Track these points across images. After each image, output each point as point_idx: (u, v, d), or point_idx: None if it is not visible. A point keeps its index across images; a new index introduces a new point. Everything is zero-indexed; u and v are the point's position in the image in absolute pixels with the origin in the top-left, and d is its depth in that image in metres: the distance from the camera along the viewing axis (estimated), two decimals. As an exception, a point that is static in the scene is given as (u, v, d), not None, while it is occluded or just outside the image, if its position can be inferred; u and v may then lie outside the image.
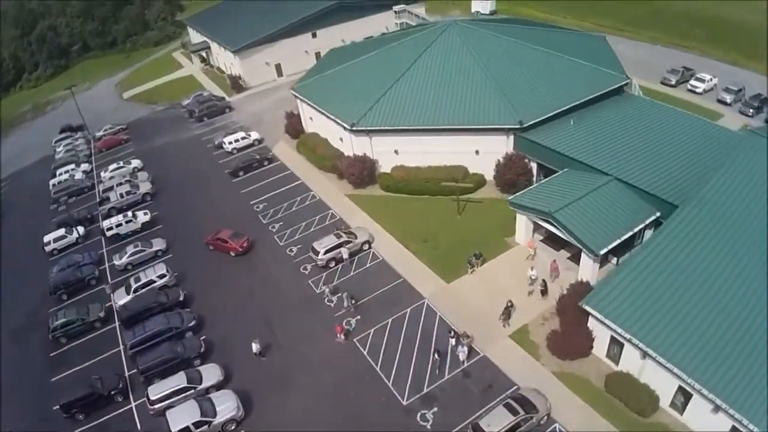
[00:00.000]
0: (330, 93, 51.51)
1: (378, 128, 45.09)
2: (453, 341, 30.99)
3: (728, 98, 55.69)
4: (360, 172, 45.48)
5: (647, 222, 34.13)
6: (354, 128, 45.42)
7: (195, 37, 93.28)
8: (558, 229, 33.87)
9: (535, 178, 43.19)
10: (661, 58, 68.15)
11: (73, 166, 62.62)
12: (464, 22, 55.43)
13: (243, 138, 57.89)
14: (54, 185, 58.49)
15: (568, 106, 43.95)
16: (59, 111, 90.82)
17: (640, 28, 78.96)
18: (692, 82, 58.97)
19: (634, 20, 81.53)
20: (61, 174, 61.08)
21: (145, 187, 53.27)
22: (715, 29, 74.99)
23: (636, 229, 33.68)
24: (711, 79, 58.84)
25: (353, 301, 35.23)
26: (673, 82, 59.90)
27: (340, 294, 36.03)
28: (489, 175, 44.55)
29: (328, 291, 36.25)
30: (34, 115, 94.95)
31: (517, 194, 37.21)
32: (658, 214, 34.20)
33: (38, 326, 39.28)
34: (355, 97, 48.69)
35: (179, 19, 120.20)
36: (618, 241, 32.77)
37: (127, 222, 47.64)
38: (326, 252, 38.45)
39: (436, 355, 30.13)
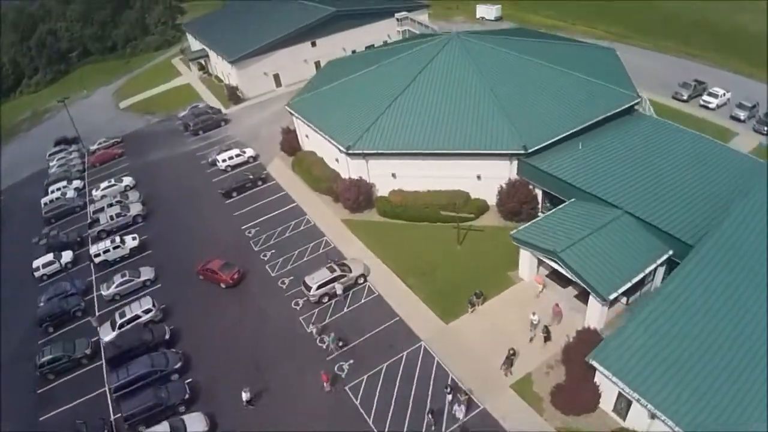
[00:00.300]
0: (326, 111, 49.49)
1: (374, 152, 43.02)
2: (450, 397, 28.96)
3: (742, 115, 53.21)
4: (356, 198, 43.51)
5: (659, 262, 31.94)
6: (350, 151, 43.40)
7: (194, 43, 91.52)
8: (564, 268, 31.75)
9: (540, 206, 41.09)
10: (672, 68, 65.62)
11: (65, 183, 61.19)
12: (466, 35, 53.12)
13: (237, 155, 56.05)
14: (46, 204, 57.04)
15: (575, 129, 41.64)
16: (56, 120, 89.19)
17: (651, 35, 76.32)
18: (705, 97, 56.46)
19: (644, 28, 78.91)
20: (53, 191, 59.74)
21: (135, 208, 51.61)
22: (728, 39, 72.37)
23: (647, 270, 31.50)
24: (724, 94, 56.31)
25: (340, 344, 33.34)
26: (685, 97, 57.42)
27: (327, 335, 34.05)
28: (492, 200, 42.48)
29: (315, 332, 34.31)
30: (30, 124, 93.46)
31: (520, 228, 35.04)
32: (671, 252, 32.01)
33: (27, 359, 37.79)
34: (352, 116, 46.67)
35: (180, 22, 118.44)
36: (628, 285, 30.63)
37: (115, 248, 46.08)
38: (318, 287, 36.53)
39: (429, 416, 28.12)
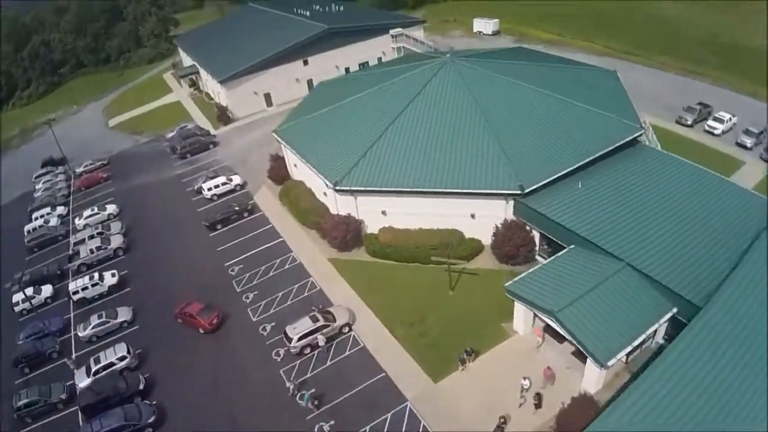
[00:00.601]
0: (314, 140, 47.42)
1: (363, 189, 40.91)
2: (435, 474, 26.85)
3: (748, 142, 50.93)
4: (343, 236, 41.40)
5: (662, 321, 29.78)
6: (337, 188, 41.30)
7: (185, 58, 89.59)
8: (561, 328, 29.58)
9: (537, 248, 38.92)
10: (676, 88, 63.43)
11: (49, 209, 59.68)
12: (461, 59, 50.92)
13: (224, 183, 54.03)
14: (29, 232, 55.51)
15: (575, 166, 39.41)
16: (46, 138, 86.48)
17: (653, 52, 74.10)
18: (710, 122, 54.18)
19: (646, 43, 76.66)
20: (36, 218, 58.43)
21: (116, 241, 49.73)
22: (731, 56, 70.10)
23: (649, 332, 29.34)
24: (730, 119, 54.05)
25: (316, 403, 31.24)
26: (689, 122, 55.15)
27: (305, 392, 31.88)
28: (487, 239, 40.30)
29: (293, 389, 32.15)
30: (20, 141, 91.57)
31: (515, 280, 32.81)
32: (675, 310, 29.85)
33: (5, 399, 36.70)
34: (340, 147, 44.63)
35: (174, 34, 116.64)
36: (629, 348, 28.47)
37: (93, 285, 44.54)
38: (300, 339, 34.40)
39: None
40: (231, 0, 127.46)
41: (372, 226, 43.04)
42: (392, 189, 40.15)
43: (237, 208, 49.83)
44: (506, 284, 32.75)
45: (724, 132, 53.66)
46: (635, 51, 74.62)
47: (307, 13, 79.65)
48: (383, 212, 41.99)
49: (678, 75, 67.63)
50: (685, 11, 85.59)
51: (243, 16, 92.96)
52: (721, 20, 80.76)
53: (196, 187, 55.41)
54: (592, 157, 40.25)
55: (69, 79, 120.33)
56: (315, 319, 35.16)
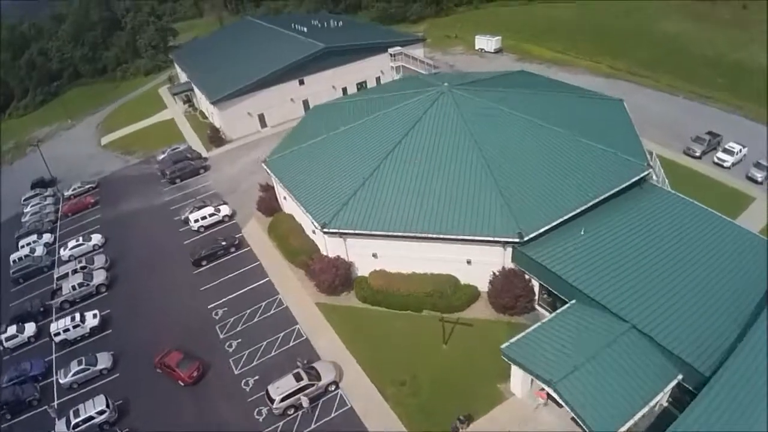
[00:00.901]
0: (304, 174, 45.41)
1: (352, 232, 38.82)
2: None
3: (759, 176, 48.58)
4: (332, 281, 39.30)
5: (667, 390, 27.65)
6: (325, 230, 39.22)
7: (181, 72, 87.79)
8: (559, 398, 27.42)
9: (537, 297, 36.73)
10: (684, 113, 61.06)
11: (35, 237, 58.22)
12: (459, 87, 48.72)
13: (211, 215, 52.01)
14: (14, 262, 54.19)
15: (578, 210, 37.18)
16: (39, 153, 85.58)
17: (660, 72, 71.75)
18: (719, 155, 51.81)
19: (652, 62, 74.32)
20: (23, 246, 57.07)
21: (99, 277, 48.02)
22: (738, 77, 67.63)
23: (653, 402, 27.21)
24: (740, 150, 51.67)
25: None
26: (698, 154, 52.79)
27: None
28: (483, 286, 38.15)
29: None
30: (13, 156, 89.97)
31: (512, 342, 30.63)
32: (680, 377, 27.75)
33: None
34: (330, 184, 42.64)
35: (172, 44, 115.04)
36: (630, 423, 26.30)
37: (74, 327, 43.03)
38: (283, 399, 32.32)
39: None
40: (230, 11, 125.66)
41: (363, 269, 40.94)
42: (383, 233, 37.98)
43: (224, 243, 47.82)
44: (503, 346, 30.59)
45: (734, 164, 51.35)
46: (641, 72, 72.21)
47: (305, 30, 77.76)
48: (374, 255, 39.90)
49: (686, 99, 65.20)
50: (692, 28, 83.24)
51: (239, 30, 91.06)
52: (728, 38, 78.30)
53: (183, 217, 53.44)
54: (596, 200, 38.04)
55: (66, 89, 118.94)
56: (299, 378, 33.06)
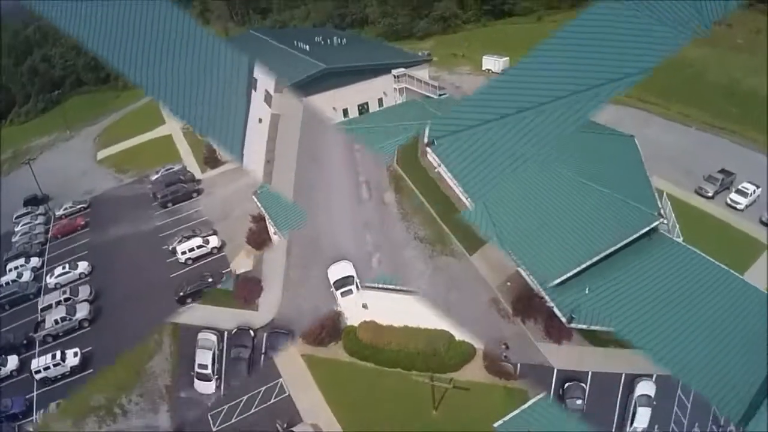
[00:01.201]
0: (293, 212, 43.29)
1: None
2: None
3: (773, 221, 46.22)
4: (318, 334, 37.23)
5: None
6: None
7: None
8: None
9: (533, 358, 34.51)
10: (696, 147, 58.41)
11: (23, 260, 57.10)
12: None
13: (199, 246, 50.13)
14: (1, 287, 53.07)
15: (583, 266, 34.83)
16: (36, 164, 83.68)
17: (672, 100, 69.09)
18: (732, 196, 49.29)
19: (665, 90, 71.55)
20: (10, 270, 55.87)
21: (82, 311, 46.72)
22: (750, 107, 64.69)
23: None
24: (754, 191, 49.17)
25: None
26: (710, 194, 50.28)
27: None
28: (479, 344, 35.89)
29: None
30: (10, 166, 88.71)
31: (505, 420, 28.46)
32: None
33: None
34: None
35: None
36: None
37: (55, 365, 42.02)
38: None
39: None
40: (236, 22, 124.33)
41: (352, 318, 38.81)
42: (372, 285, 35.91)
43: (210, 280, 45.98)
44: (496, 425, 28.37)
45: (747, 206, 48.86)
46: (653, 100, 69.52)
47: (307, 48, 75.72)
48: (364, 305, 37.78)
49: (699, 130, 62.57)
50: (710, 53, 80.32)
51: (242, 45, 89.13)
52: (741, 64, 75.40)
53: (170, 248, 51.63)
54: (603, 254, 35.68)
55: (68, 97, 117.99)
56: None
